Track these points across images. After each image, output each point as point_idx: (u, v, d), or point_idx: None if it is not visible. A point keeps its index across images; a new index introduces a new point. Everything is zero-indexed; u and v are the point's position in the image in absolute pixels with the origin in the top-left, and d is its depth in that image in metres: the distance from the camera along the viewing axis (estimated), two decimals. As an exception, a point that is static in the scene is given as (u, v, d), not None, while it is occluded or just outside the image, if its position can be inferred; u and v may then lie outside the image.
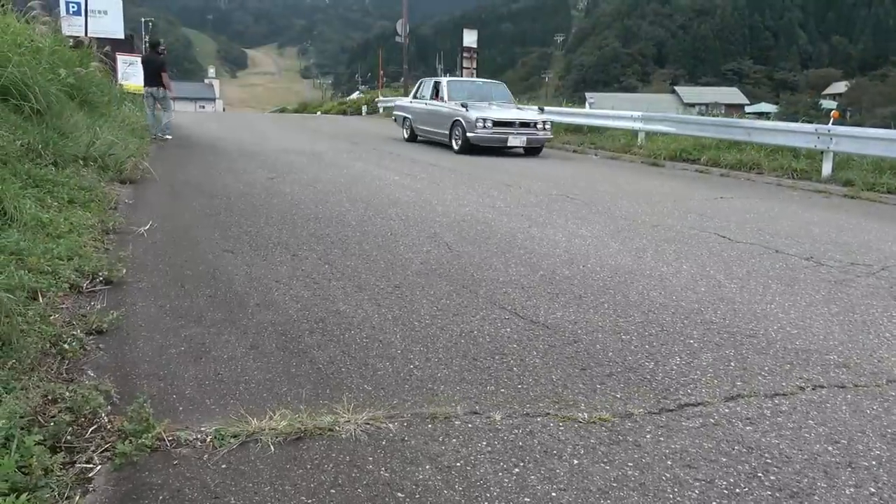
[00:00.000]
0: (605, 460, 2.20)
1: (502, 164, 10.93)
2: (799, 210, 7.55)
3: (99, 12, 17.01)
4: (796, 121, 12.58)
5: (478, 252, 4.87)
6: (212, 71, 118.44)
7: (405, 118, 15.03)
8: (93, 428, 2.23)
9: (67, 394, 2.38)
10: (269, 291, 3.82)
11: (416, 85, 15.63)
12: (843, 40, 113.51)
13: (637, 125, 13.73)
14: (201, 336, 3.14)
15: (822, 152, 10.31)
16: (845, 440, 2.38)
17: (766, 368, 2.98)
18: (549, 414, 2.50)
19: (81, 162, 6.56)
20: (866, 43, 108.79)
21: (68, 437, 2.15)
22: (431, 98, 13.98)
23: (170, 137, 12.64)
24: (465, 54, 26.06)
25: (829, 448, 2.33)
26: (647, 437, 2.36)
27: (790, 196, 8.77)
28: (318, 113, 33.87)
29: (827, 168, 10.17)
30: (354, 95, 44.27)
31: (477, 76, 24.24)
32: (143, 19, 21.28)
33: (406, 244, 5.04)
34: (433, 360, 2.95)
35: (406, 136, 14.85)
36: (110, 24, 17.40)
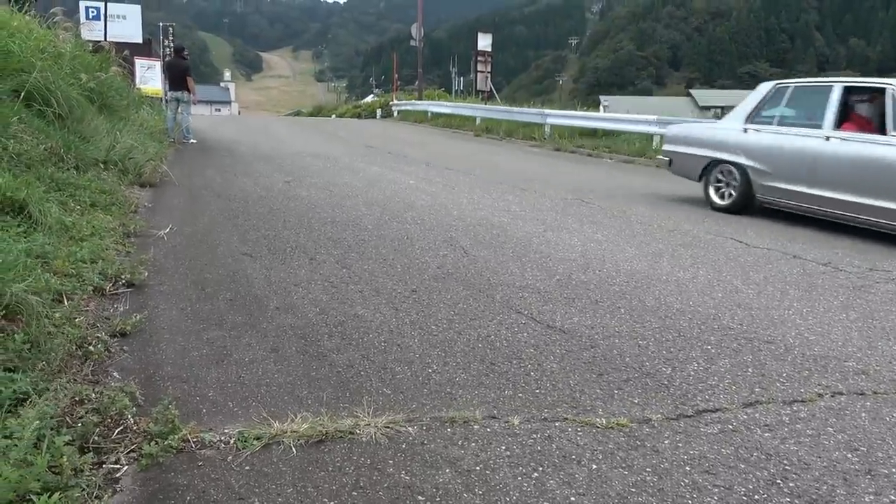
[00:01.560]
0: (624, 465, 2.21)
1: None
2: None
3: (118, 17, 17.28)
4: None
5: (494, 256, 4.89)
6: (227, 74, 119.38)
7: (718, 163, 7.54)
8: (119, 429, 2.28)
9: (94, 395, 2.44)
10: (289, 295, 3.86)
11: (761, 95, 7.36)
12: (860, 43, 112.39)
13: (652, 129, 13.67)
14: (222, 339, 3.18)
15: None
16: (865, 447, 2.38)
17: (785, 375, 2.98)
18: (567, 419, 2.51)
19: (102, 166, 6.67)
20: (884, 45, 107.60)
21: (96, 438, 2.20)
22: (836, 127, 6.47)
23: (194, 141, 12.77)
24: (479, 58, 26.15)
25: (849, 455, 2.33)
26: (666, 442, 2.37)
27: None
28: (333, 116, 33.97)
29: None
30: (369, 98, 44.41)
31: (491, 79, 24.30)
32: (160, 23, 21.52)
33: (422, 248, 5.07)
34: (451, 365, 2.98)
35: (720, 200, 7.51)
36: (129, 29, 17.67)
